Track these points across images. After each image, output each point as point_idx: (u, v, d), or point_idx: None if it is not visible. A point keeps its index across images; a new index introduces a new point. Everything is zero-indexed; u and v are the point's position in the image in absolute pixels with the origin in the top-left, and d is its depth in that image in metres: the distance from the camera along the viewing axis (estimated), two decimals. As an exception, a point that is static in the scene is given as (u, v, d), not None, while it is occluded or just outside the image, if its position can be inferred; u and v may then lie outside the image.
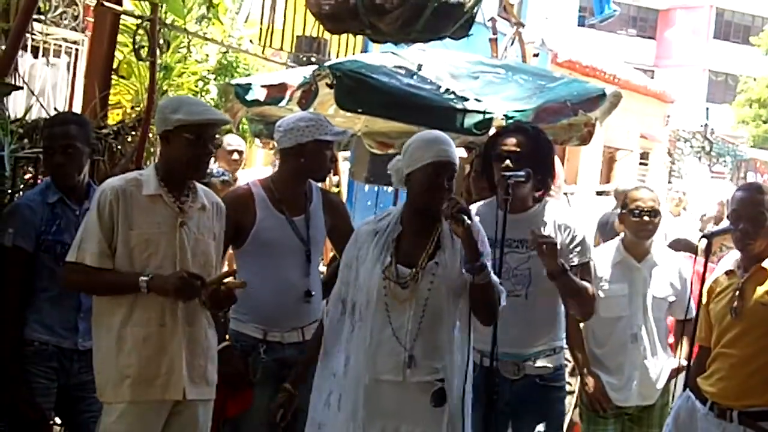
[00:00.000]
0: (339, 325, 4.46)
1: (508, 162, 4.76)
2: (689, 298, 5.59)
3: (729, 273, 5.07)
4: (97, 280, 4.34)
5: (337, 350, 4.46)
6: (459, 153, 7.93)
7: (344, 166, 9.67)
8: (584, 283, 4.77)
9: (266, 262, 5.05)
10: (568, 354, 5.53)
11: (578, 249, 4.86)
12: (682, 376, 5.55)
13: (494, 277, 4.27)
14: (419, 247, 4.38)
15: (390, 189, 10.29)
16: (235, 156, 8.24)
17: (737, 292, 4.92)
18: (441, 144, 4.42)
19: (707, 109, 40.31)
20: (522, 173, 4.66)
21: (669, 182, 28.11)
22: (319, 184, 5.49)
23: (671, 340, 6.04)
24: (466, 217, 4.13)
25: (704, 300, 5.13)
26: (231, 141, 8.26)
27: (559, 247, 4.68)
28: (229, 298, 4.52)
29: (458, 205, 4.17)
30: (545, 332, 4.91)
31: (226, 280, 4.49)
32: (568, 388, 6.13)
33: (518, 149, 4.86)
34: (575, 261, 4.81)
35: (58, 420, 5.24)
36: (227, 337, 5.06)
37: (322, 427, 4.42)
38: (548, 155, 5.05)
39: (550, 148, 5.13)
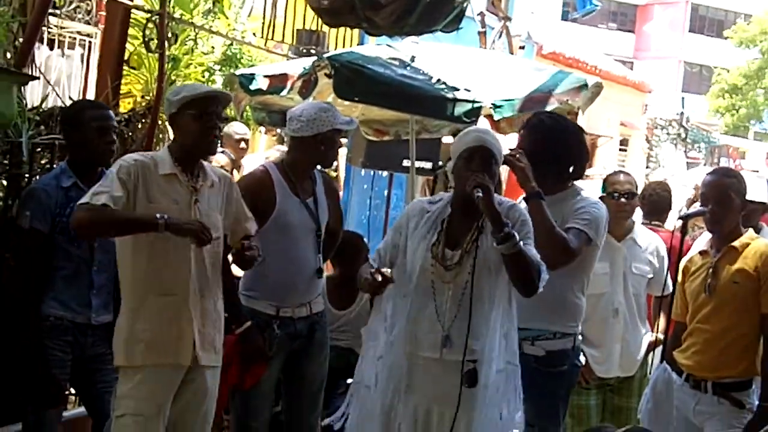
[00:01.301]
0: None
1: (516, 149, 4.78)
2: (666, 276, 5.59)
3: (703, 253, 5.09)
4: (108, 217, 4.21)
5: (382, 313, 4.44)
6: (448, 140, 7.96)
7: (341, 152, 9.66)
8: (562, 232, 4.63)
9: (285, 242, 5.08)
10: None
11: (579, 218, 4.74)
12: (659, 350, 5.55)
13: (531, 249, 4.21)
14: (465, 231, 4.34)
15: (384, 173, 10.29)
16: (243, 145, 8.28)
17: (711, 271, 4.94)
18: (474, 133, 4.42)
19: (683, 98, 40.34)
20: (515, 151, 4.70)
21: (647, 167, 28.15)
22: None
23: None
24: (481, 191, 4.09)
25: (680, 278, 5.14)
26: (238, 130, 8.28)
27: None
28: (252, 258, 4.58)
29: (476, 180, 4.13)
30: (547, 313, 4.77)
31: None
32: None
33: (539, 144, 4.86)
34: (574, 224, 4.71)
35: (73, 390, 5.25)
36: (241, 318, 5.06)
37: (367, 388, 4.40)
38: (571, 145, 4.97)
39: (576, 137, 5.04)
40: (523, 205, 4.61)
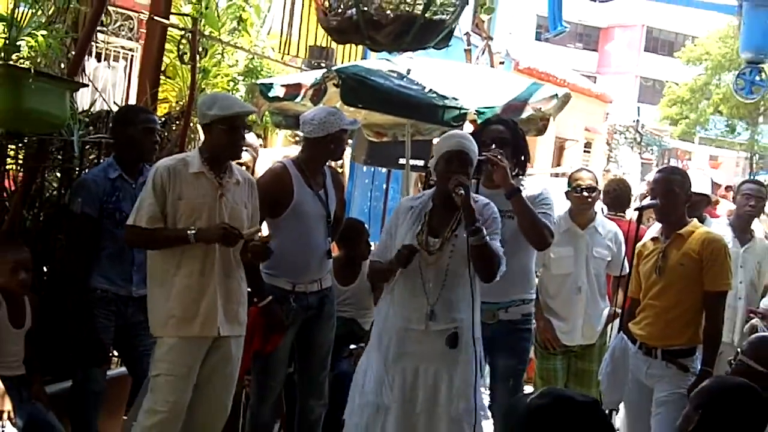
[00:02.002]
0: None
1: (491, 150, 4.76)
2: (623, 259, 5.59)
3: (654, 239, 5.10)
4: (152, 237, 4.38)
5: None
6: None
7: (346, 151, 9.66)
8: (541, 218, 4.73)
9: (300, 228, 5.08)
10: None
11: (543, 204, 4.84)
12: (617, 322, 5.57)
13: (496, 244, 4.30)
14: (445, 222, 4.42)
15: (383, 170, 10.29)
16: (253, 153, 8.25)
17: (660, 255, 4.96)
18: (455, 138, 4.49)
19: (638, 108, 40.31)
20: (494, 152, 4.70)
21: (607, 166, 28.13)
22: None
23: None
24: (462, 190, 4.17)
25: (635, 261, 5.15)
26: (249, 139, 8.25)
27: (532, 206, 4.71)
28: (266, 253, 4.61)
29: (458, 180, 4.20)
30: (517, 286, 4.90)
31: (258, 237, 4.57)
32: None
33: (502, 135, 4.90)
34: (540, 211, 4.77)
35: (116, 353, 5.26)
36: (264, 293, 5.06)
37: (370, 360, 4.49)
38: (525, 145, 5.06)
39: (523, 136, 5.14)
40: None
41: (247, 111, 4.62)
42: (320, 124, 5.03)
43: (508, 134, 4.92)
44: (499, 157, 4.67)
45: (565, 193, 5.96)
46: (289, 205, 5.04)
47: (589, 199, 5.77)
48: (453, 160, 4.33)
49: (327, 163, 5.38)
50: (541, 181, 5.80)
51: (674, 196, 4.91)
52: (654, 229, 5.22)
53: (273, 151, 8.95)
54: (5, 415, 4.27)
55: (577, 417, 2.25)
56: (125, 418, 5.31)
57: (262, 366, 5.17)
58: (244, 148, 6.52)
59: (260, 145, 8.26)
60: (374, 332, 4.55)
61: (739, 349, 3.74)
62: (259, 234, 4.78)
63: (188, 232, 4.31)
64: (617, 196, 6.87)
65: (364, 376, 4.46)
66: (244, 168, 5.21)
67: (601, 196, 6.51)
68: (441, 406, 4.29)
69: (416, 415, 4.31)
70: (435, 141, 7.73)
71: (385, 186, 10.49)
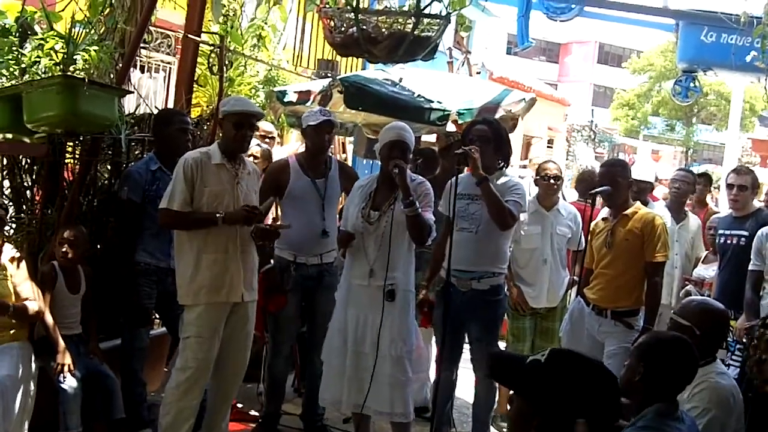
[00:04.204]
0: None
1: (473, 145, 4.74)
2: (580, 236, 5.60)
3: (604, 219, 5.12)
4: (184, 219, 4.34)
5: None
6: (431, 138, 7.94)
7: (349, 147, 9.63)
8: (508, 205, 4.71)
9: (296, 209, 5.08)
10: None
11: (515, 193, 4.81)
12: (575, 288, 5.58)
13: (427, 214, 4.44)
14: (385, 199, 4.54)
15: (380, 162, 10.26)
16: (267, 139, 8.22)
17: (609, 232, 4.97)
18: (395, 130, 4.57)
19: (592, 110, 40.34)
20: (470, 147, 4.68)
21: (566, 159, 28.14)
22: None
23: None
24: (398, 170, 4.34)
25: (590, 237, 5.16)
26: (265, 127, 8.25)
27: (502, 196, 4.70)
28: (274, 234, 4.64)
29: (395, 162, 4.36)
30: (488, 260, 4.86)
31: (272, 223, 4.56)
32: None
33: (484, 134, 4.87)
34: (510, 198, 4.75)
35: (157, 315, 5.26)
36: (271, 261, 5.09)
37: (336, 311, 4.66)
38: (505, 140, 5.01)
39: (506, 135, 5.10)
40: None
41: (253, 111, 4.50)
42: (303, 121, 5.18)
43: (490, 133, 4.88)
44: (473, 150, 4.66)
45: (534, 180, 5.96)
46: (286, 189, 5.09)
47: (555, 186, 5.76)
48: (394, 147, 4.46)
49: (331, 155, 5.37)
50: (510, 171, 5.81)
51: (617, 184, 4.93)
52: (605, 210, 5.23)
53: (287, 147, 8.92)
54: (66, 368, 4.28)
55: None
56: (166, 369, 5.34)
57: (274, 324, 5.24)
58: (259, 142, 6.54)
59: (277, 142, 8.22)
60: (338, 288, 4.67)
61: (672, 310, 3.75)
62: (277, 221, 4.78)
63: (216, 215, 4.28)
64: (588, 185, 6.87)
65: (333, 324, 4.61)
66: (251, 159, 5.21)
67: (574, 183, 6.52)
68: (384, 347, 4.39)
69: (365, 354, 4.43)
70: (423, 138, 7.74)
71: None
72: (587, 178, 6.93)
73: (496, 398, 5.19)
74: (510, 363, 2.34)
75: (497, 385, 5.01)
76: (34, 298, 4.30)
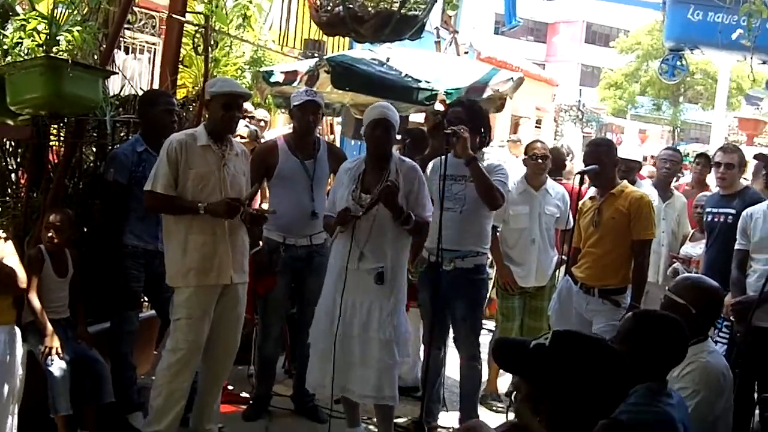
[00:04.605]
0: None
1: (450, 127, 4.73)
2: (568, 215, 5.61)
3: (592, 198, 5.13)
4: (167, 204, 4.33)
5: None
6: (418, 118, 7.92)
7: (337, 128, 9.61)
8: (496, 184, 4.75)
9: (285, 190, 5.07)
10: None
11: (500, 174, 4.84)
12: (563, 267, 5.59)
13: (427, 212, 4.46)
14: (375, 180, 4.45)
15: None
16: (263, 123, 8.22)
17: (597, 211, 4.98)
18: (378, 108, 4.53)
19: (580, 90, 40.43)
20: (457, 128, 4.66)
21: (555, 139, 28.15)
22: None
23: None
24: (385, 197, 4.27)
25: (577, 216, 5.16)
26: (259, 114, 8.24)
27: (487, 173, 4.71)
28: (262, 219, 4.60)
29: (386, 190, 4.26)
30: (472, 240, 4.88)
31: (259, 207, 4.52)
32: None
33: (459, 116, 4.84)
34: (496, 179, 4.77)
35: (146, 298, 5.24)
36: (260, 243, 5.08)
37: (324, 295, 4.58)
38: (483, 118, 4.99)
39: (484, 114, 5.09)
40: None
41: (241, 92, 4.48)
42: (291, 101, 5.15)
43: (464, 114, 4.85)
44: (461, 131, 4.64)
45: (522, 160, 5.96)
46: (275, 170, 5.07)
47: (542, 166, 5.76)
48: (377, 126, 4.43)
49: (319, 136, 5.34)
50: (501, 151, 5.80)
51: (603, 163, 4.93)
52: (592, 189, 5.23)
53: (275, 131, 8.89)
54: (53, 351, 4.26)
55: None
56: (155, 352, 5.33)
57: (264, 305, 5.24)
58: (247, 123, 6.50)
59: (262, 125, 8.20)
60: (327, 272, 4.58)
61: (667, 288, 3.75)
62: (262, 204, 4.74)
63: (198, 205, 4.25)
64: (553, 162, 6.87)
65: (320, 308, 4.55)
66: (238, 139, 5.16)
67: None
68: (373, 331, 4.37)
69: (353, 338, 4.39)
70: (411, 118, 7.72)
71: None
72: (554, 155, 6.94)
73: (483, 378, 5.20)
74: (514, 348, 2.32)
75: (483, 364, 5.03)
76: (21, 276, 4.29)
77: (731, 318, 4.94)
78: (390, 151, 4.53)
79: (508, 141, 12.44)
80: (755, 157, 5.38)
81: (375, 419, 4.78)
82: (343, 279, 4.39)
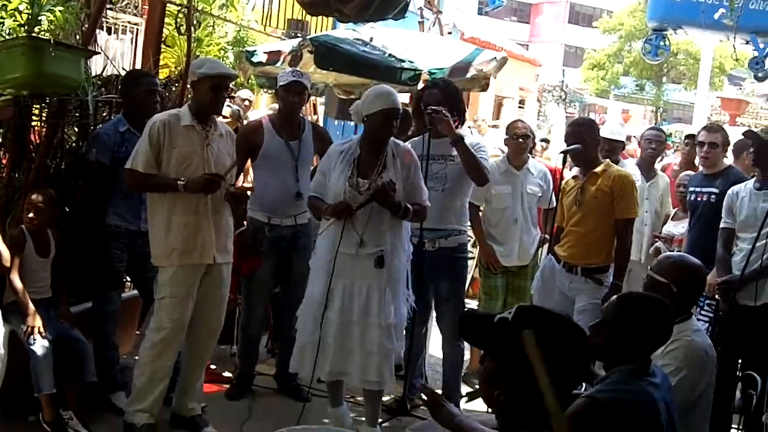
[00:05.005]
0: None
1: (431, 106, 4.72)
2: (551, 194, 5.62)
3: (574, 177, 5.15)
4: (147, 182, 4.31)
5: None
6: (403, 99, 7.89)
7: (320, 109, 9.58)
8: (481, 160, 4.77)
9: (270, 170, 5.06)
10: (471, 232, 5.58)
11: (481, 151, 4.85)
12: (546, 246, 5.61)
13: (425, 196, 4.41)
14: (372, 165, 4.37)
15: (352, 123, 10.19)
16: (246, 103, 8.20)
17: (579, 190, 4.99)
18: (390, 96, 4.39)
19: (563, 70, 40.42)
20: (439, 108, 4.66)
21: (538, 119, 28.20)
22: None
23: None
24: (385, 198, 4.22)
25: (560, 195, 5.18)
26: (243, 95, 8.23)
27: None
28: (243, 197, 4.61)
29: (382, 191, 4.20)
30: (454, 217, 4.92)
31: (238, 185, 4.49)
32: (470, 255, 6.21)
33: (437, 97, 4.83)
34: (479, 155, 4.80)
35: (128, 278, 5.23)
36: (245, 222, 5.07)
37: (315, 280, 4.46)
38: (458, 100, 4.99)
39: (459, 94, 5.08)
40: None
41: (229, 74, 4.49)
42: (278, 82, 5.11)
43: (440, 96, 4.84)
44: (444, 112, 4.64)
45: (504, 140, 5.96)
46: (259, 150, 5.05)
47: (524, 145, 5.76)
48: (390, 116, 4.30)
49: (304, 117, 5.33)
50: (488, 132, 5.81)
51: (585, 143, 4.95)
52: (575, 168, 5.25)
53: (258, 112, 8.87)
54: (36, 330, 4.25)
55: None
56: (137, 332, 5.32)
57: (247, 286, 5.23)
58: (229, 103, 6.49)
59: (246, 105, 8.19)
60: (318, 256, 4.46)
61: (649, 267, 3.77)
62: (243, 184, 4.70)
63: (178, 182, 4.23)
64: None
65: (310, 294, 4.45)
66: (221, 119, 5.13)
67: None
68: (373, 316, 4.30)
69: (353, 323, 4.32)
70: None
71: (353, 137, 10.43)
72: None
73: (466, 357, 5.23)
74: (478, 322, 2.33)
75: (465, 344, 5.06)
76: (4, 255, 4.27)
77: (715, 296, 4.97)
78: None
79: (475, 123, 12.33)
80: (744, 134, 5.38)
81: (357, 398, 4.80)
82: (340, 265, 4.29)
